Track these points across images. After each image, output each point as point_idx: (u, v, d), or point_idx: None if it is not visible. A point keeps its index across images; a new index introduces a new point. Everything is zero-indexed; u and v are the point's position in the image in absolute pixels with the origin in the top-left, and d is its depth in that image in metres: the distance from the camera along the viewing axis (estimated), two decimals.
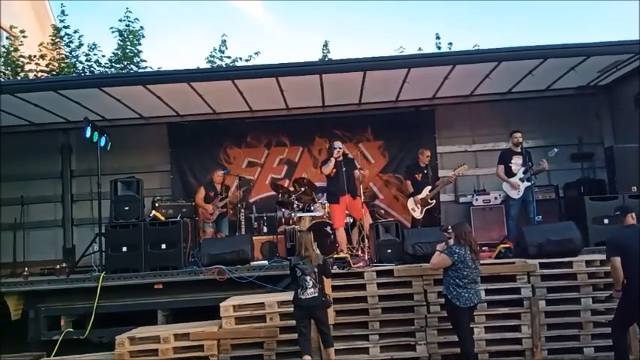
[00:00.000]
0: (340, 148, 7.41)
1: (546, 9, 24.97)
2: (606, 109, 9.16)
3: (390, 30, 27.18)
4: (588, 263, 6.09)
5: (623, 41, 7.21)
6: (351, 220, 7.71)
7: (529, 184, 7.53)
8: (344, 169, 7.33)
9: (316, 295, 5.37)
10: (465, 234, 5.33)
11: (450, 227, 5.57)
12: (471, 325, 5.58)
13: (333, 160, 7.31)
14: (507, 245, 6.94)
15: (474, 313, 5.68)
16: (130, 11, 12.86)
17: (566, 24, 24.94)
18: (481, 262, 5.61)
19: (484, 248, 7.38)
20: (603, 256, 5.56)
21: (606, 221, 6.95)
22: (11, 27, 12.50)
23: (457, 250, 5.27)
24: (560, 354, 5.88)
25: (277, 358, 5.91)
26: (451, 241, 5.45)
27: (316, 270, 5.40)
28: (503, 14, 26.51)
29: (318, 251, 5.63)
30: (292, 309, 5.85)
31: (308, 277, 5.37)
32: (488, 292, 5.99)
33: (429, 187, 8.07)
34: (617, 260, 4.93)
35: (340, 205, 7.36)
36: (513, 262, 6.24)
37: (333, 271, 5.99)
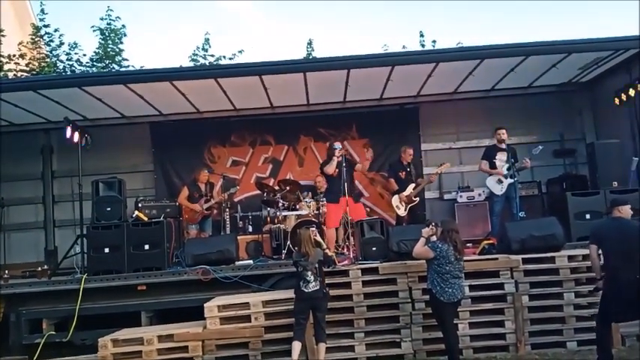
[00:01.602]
0: (341, 148, 7.38)
1: (528, 6, 25.17)
2: (588, 106, 9.27)
3: (374, 28, 27.22)
4: (570, 258, 6.15)
5: (603, 38, 7.34)
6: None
7: (512, 180, 7.58)
8: (345, 169, 7.34)
9: (318, 287, 5.55)
10: (450, 232, 5.37)
11: (433, 222, 5.61)
12: (455, 321, 5.62)
13: (335, 159, 7.27)
14: (491, 241, 7.01)
15: (459, 309, 5.73)
16: (111, 9, 12.76)
17: (547, 21, 25.19)
18: (465, 258, 5.66)
19: (468, 244, 7.42)
20: (585, 251, 5.65)
21: (588, 216, 7.05)
22: None
23: (440, 246, 5.32)
24: (543, 348, 5.93)
25: (263, 358, 5.89)
26: (434, 238, 5.49)
27: (317, 265, 5.59)
28: (486, 12, 26.66)
29: (321, 241, 5.85)
30: (277, 308, 5.96)
31: (309, 272, 5.55)
32: (472, 287, 6.03)
33: (413, 185, 8.10)
34: (593, 248, 5.10)
35: (338, 206, 7.30)
36: (497, 258, 6.30)
37: None
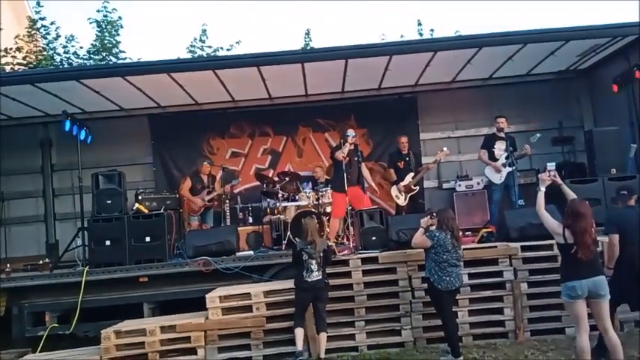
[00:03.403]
0: (354, 136, 7.34)
1: None
2: (586, 93, 9.27)
3: (371, 17, 27.05)
4: None
5: (601, 25, 7.31)
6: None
7: (511, 169, 7.61)
8: (356, 158, 7.31)
9: (320, 277, 5.63)
10: (447, 220, 5.43)
11: (433, 212, 5.66)
12: (454, 309, 5.67)
13: (347, 145, 7.24)
14: (490, 229, 7.05)
15: (458, 297, 5.78)
16: (107, 1, 12.69)
17: (545, 9, 25.02)
18: (465, 246, 5.70)
19: (467, 233, 7.48)
20: None
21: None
22: None
23: (437, 234, 5.38)
24: (542, 335, 5.99)
25: (265, 348, 5.94)
26: (433, 227, 5.52)
27: (321, 254, 5.65)
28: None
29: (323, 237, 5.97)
30: (278, 298, 5.99)
31: (314, 261, 5.62)
32: (471, 275, 6.08)
33: (412, 174, 8.13)
34: (616, 237, 5.06)
35: (344, 195, 7.26)
36: (495, 246, 6.33)
37: None
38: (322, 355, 5.63)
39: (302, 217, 7.08)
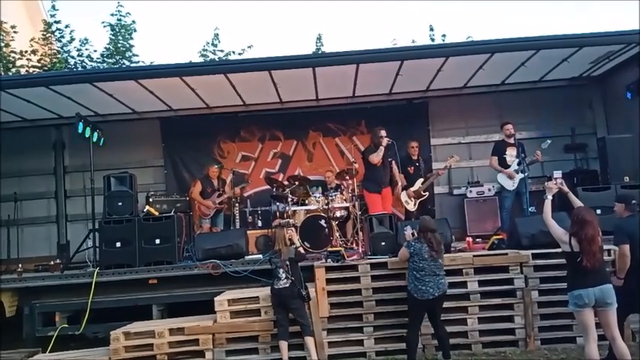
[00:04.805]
0: (389, 139, 7.42)
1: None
2: (599, 100, 9.18)
3: (383, 22, 27.08)
4: None
5: (615, 32, 7.23)
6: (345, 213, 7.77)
7: (522, 175, 7.56)
8: (389, 160, 7.41)
9: (287, 285, 5.69)
10: (425, 233, 5.47)
11: (410, 229, 5.80)
12: (463, 316, 5.66)
13: (382, 148, 7.35)
14: (501, 236, 7.00)
15: (467, 304, 5.78)
16: (121, 5, 12.84)
17: (559, 14, 24.89)
18: (475, 253, 5.68)
19: (477, 240, 7.44)
20: None
21: (599, 212, 6.96)
22: (1, 22, 12.39)
23: (413, 244, 5.47)
24: (553, 344, 5.93)
25: (272, 352, 5.93)
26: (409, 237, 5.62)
27: (288, 263, 5.74)
28: (496, 5, 26.44)
29: (298, 243, 6.01)
30: None
31: (281, 270, 5.73)
32: (481, 283, 6.05)
33: (422, 180, 8.10)
34: (627, 248, 5.03)
35: (379, 195, 7.44)
36: (506, 254, 6.27)
37: (327, 264, 6.24)
38: (314, 358, 5.65)
39: (308, 223, 7.15)
